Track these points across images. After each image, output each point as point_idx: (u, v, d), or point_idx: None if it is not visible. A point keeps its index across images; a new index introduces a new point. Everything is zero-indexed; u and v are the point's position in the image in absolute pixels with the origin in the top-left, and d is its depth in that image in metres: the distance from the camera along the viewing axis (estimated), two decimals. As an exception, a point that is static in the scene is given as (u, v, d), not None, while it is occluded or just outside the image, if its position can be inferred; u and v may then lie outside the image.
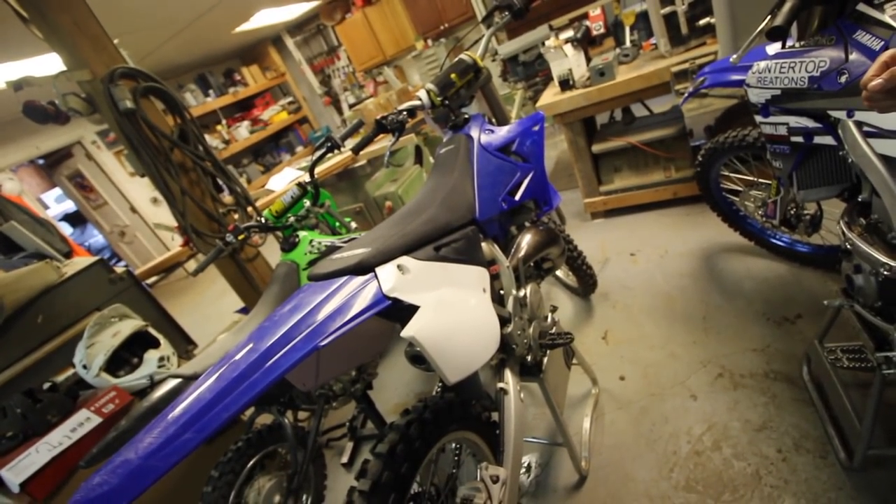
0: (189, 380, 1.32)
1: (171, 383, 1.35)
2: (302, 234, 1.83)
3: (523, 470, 1.61)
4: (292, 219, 1.88)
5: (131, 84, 1.99)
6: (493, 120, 1.72)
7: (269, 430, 1.63)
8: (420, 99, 1.46)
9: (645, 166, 2.75)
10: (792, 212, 1.67)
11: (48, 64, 3.63)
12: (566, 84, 2.58)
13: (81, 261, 2.38)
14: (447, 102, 1.48)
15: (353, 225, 2.18)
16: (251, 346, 0.77)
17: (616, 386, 1.78)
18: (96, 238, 7.84)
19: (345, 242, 1.74)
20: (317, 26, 7.14)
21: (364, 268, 0.91)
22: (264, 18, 5.77)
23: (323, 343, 0.76)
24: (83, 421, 1.66)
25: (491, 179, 1.33)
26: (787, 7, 0.97)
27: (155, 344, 2.00)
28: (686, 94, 1.77)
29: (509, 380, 1.21)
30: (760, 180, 1.82)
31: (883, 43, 0.92)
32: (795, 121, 1.23)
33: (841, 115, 1.03)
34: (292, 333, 0.77)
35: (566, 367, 1.54)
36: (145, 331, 2.00)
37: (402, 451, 0.88)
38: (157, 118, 2.09)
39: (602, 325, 2.10)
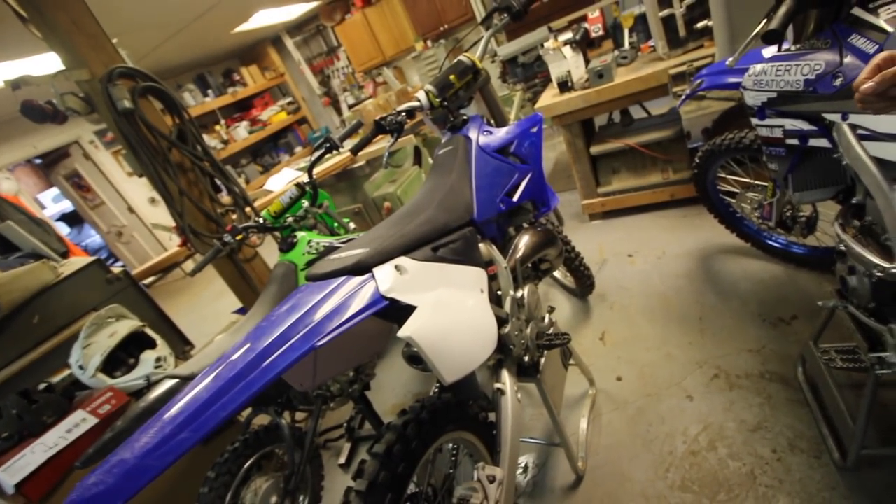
0: (186, 380, 1.32)
1: (168, 384, 1.35)
2: (300, 234, 1.83)
3: (520, 470, 1.62)
4: (290, 219, 1.88)
5: (130, 84, 1.98)
6: (492, 121, 1.73)
7: (265, 431, 1.63)
8: (419, 100, 1.46)
9: (643, 168, 2.76)
10: (788, 213, 1.68)
11: (46, 63, 3.63)
12: (565, 86, 2.59)
13: (78, 261, 2.38)
14: (446, 104, 1.48)
15: (352, 225, 2.18)
16: (248, 346, 0.77)
17: (613, 386, 1.79)
18: (93, 238, 7.81)
19: (343, 243, 1.74)
20: (316, 27, 7.14)
21: (362, 268, 0.92)
22: (264, 19, 5.77)
23: (320, 343, 0.76)
24: (79, 422, 1.66)
25: (489, 180, 1.34)
26: (782, 11, 0.97)
27: (152, 344, 2.00)
28: (683, 97, 1.78)
29: (506, 380, 1.21)
30: (757, 182, 1.83)
31: (877, 46, 0.93)
32: (791, 123, 1.24)
33: (835, 117, 1.04)
34: (289, 333, 0.77)
35: (563, 367, 1.55)
36: (142, 331, 2.00)
37: (398, 451, 0.88)
38: (156, 118, 2.09)
39: (599, 326, 2.11)
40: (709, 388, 1.61)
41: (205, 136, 6.24)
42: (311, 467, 1.73)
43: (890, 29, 0.91)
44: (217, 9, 4.55)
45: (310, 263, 1.71)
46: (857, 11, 0.99)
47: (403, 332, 0.86)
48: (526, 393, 1.86)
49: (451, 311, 0.97)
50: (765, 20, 1.03)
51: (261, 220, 1.81)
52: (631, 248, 2.54)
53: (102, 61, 1.94)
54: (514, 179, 1.40)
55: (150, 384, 1.83)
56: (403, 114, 1.46)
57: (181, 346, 2.55)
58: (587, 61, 2.67)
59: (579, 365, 1.74)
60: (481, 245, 1.24)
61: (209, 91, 6.74)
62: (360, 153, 2.81)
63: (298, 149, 7.67)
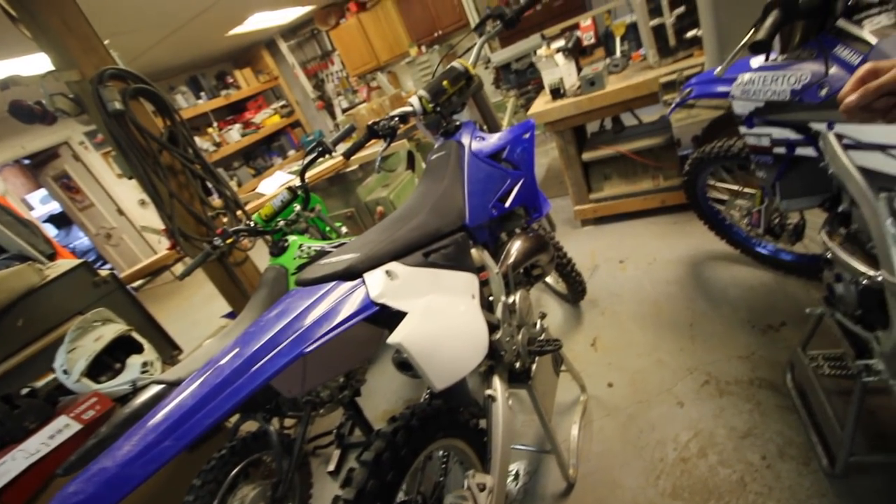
0: (172, 385, 1.30)
1: (154, 389, 1.33)
2: (292, 238, 1.82)
3: (511, 477, 1.61)
4: (282, 223, 1.87)
5: (121, 85, 1.97)
6: (485, 127, 1.73)
7: (253, 438, 1.61)
8: (412, 105, 1.46)
9: (634, 175, 2.78)
10: (776, 221, 1.69)
11: (36, 63, 3.59)
12: (557, 93, 2.61)
13: (65, 263, 2.34)
14: (439, 109, 1.49)
15: (344, 230, 2.18)
16: (235, 351, 0.76)
17: (604, 393, 1.79)
18: (81, 240, 7.71)
19: (335, 247, 1.73)
20: (311, 31, 7.15)
21: (352, 273, 0.91)
22: (258, 22, 5.77)
23: (309, 349, 0.75)
24: (62, 427, 1.62)
25: (481, 186, 1.34)
26: (769, 21, 0.99)
27: (139, 349, 1.97)
28: (673, 105, 1.79)
29: (497, 386, 1.21)
30: (745, 190, 1.85)
31: (861, 57, 0.94)
32: (778, 132, 1.25)
33: (821, 127, 1.05)
34: (278, 339, 0.76)
35: (555, 373, 1.54)
36: (129, 335, 1.97)
37: (388, 458, 0.87)
38: (147, 120, 2.08)
39: (591, 332, 2.11)
40: (699, 394, 1.61)
41: (197, 139, 6.20)
42: (299, 475, 1.71)
43: (873, 41, 0.92)
44: (211, 11, 4.54)
45: (301, 268, 1.70)
46: (841, 23, 1.01)
47: (393, 339, 0.86)
48: (517, 399, 1.86)
49: (441, 317, 0.97)
50: (752, 30, 1.04)
51: (252, 224, 1.80)
52: (622, 254, 2.56)
53: (93, 62, 1.92)
54: (507, 185, 1.40)
55: (136, 389, 1.80)
56: (396, 119, 1.46)
57: (169, 350, 2.51)
58: (579, 69, 2.70)
59: (571, 371, 1.73)
60: (473, 250, 1.24)
61: (202, 93, 6.70)
62: (353, 157, 2.81)
63: (291, 152, 7.64)
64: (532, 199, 1.51)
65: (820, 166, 1.16)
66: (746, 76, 1.27)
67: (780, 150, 1.28)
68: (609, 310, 2.20)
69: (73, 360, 1.78)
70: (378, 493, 0.83)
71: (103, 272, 2.44)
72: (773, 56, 1.22)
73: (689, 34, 2.23)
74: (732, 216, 1.91)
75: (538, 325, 1.43)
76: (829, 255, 1.11)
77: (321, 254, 1.72)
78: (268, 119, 7.36)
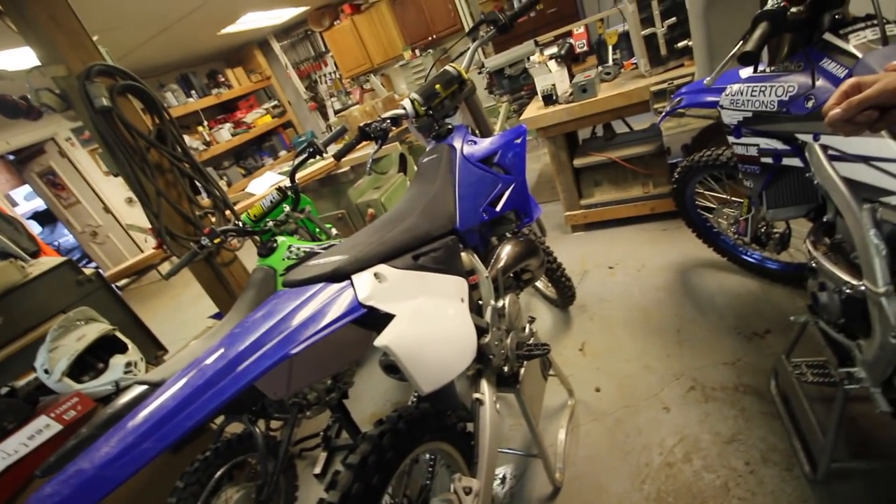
0: (156, 386, 1.28)
1: (137, 390, 1.31)
2: (281, 239, 1.81)
3: (498, 481, 1.60)
4: (271, 223, 1.85)
5: (109, 82, 1.94)
6: (477, 131, 1.74)
7: (238, 440, 1.59)
8: (404, 108, 1.46)
9: (624, 181, 2.80)
10: (762, 230, 1.72)
11: (22, 58, 3.53)
12: (549, 99, 2.63)
13: (48, 261, 2.30)
14: (431, 112, 1.49)
15: (334, 231, 2.17)
16: (220, 352, 0.75)
17: (592, 397, 1.79)
18: (67, 238, 7.59)
19: (324, 249, 1.72)
20: (304, 31, 7.12)
21: (340, 275, 0.90)
22: (251, 21, 5.74)
23: (294, 351, 0.74)
24: (42, 428, 1.59)
25: (472, 190, 1.34)
26: (757, 33, 1.00)
27: (122, 349, 1.94)
28: (664, 113, 1.81)
29: (485, 390, 1.21)
30: (733, 198, 1.87)
31: (847, 71, 0.96)
32: (765, 142, 1.27)
33: (807, 138, 1.07)
34: (263, 340, 0.75)
35: (543, 378, 1.55)
36: (113, 335, 1.93)
37: (373, 462, 0.87)
38: (135, 117, 2.05)
39: (579, 337, 2.12)
40: (685, 399, 1.62)
41: (187, 138, 6.14)
42: (284, 477, 1.69)
43: (859, 54, 0.94)
44: (204, 9, 4.50)
45: (289, 269, 1.68)
46: (828, 37, 1.03)
47: (380, 341, 0.85)
48: (505, 403, 1.86)
49: (430, 321, 0.97)
50: (741, 42, 1.06)
51: (240, 224, 1.78)
52: (612, 260, 2.58)
53: (81, 58, 1.89)
54: (498, 189, 1.41)
55: (120, 390, 1.77)
56: (388, 121, 1.46)
57: (154, 351, 2.48)
58: (571, 76, 2.72)
59: (559, 376, 1.74)
60: (463, 254, 1.24)
61: (193, 92, 6.64)
62: (345, 159, 2.80)
63: (283, 153, 7.59)
64: (523, 204, 1.51)
65: (806, 176, 1.18)
66: (735, 87, 1.29)
67: (768, 159, 1.30)
68: (598, 315, 2.21)
69: (55, 359, 1.75)
70: (363, 497, 0.83)
71: (88, 270, 2.40)
72: (761, 67, 1.24)
73: (680, 44, 2.26)
74: (720, 224, 1.94)
75: (527, 330, 1.43)
76: (813, 265, 1.12)
77: (310, 255, 1.71)
78: (259, 119, 7.31)
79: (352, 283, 0.89)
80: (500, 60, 3.45)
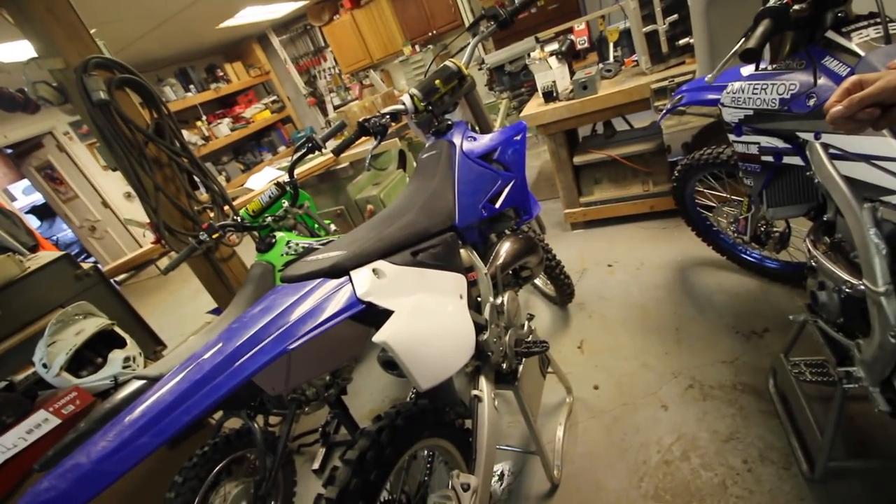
0: (154, 381, 1.28)
1: (136, 384, 1.31)
2: (279, 234, 1.80)
3: (496, 478, 1.61)
4: (269, 219, 1.84)
5: (106, 75, 1.93)
6: (477, 128, 1.73)
7: (237, 435, 1.59)
8: (404, 103, 1.46)
9: (624, 179, 2.80)
10: (762, 228, 1.72)
11: (19, 50, 3.51)
12: (550, 96, 2.62)
13: (46, 255, 2.30)
14: (431, 108, 1.48)
15: (333, 227, 2.16)
16: (217, 347, 0.74)
17: (590, 395, 1.79)
18: (65, 232, 7.57)
19: (323, 245, 1.71)
20: (304, 26, 7.09)
21: (338, 271, 0.90)
22: (250, 15, 5.71)
23: (292, 346, 0.74)
24: (41, 422, 1.59)
25: (472, 186, 1.34)
26: (759, 31, 1.00)
27: (121, 344, 1.94)
28: (664, 111, 1.81)
29: (484, 387, 1.21)
30: (733, 197, 1.87)
31: (849, 69, 0.96)
32: (766, 141, 1.27)
33: (809, 136, 1.07)
34: (261, 335, 0.75)
35: (541, 375, 1.55)
36: (111, 330, 1.93)
37: (371, 458, 0.87)
38: (133, 111, 2.04)
39: (578, 335, 2.12)
40: (683, 398, 1.63)
41: (185, 132, 6.12)
42: (283, 473, 1.69)
43: (861, 53, 0.94)
44: (202, 2, 4.47)
45: (288, 264, 1.68)
46: (830, 35, 1.02)
47: (378, 337, 0.85)
48: (503, 400, 1.86)
49: (428, 317, 0.96)
50: (743, 39, 1.05)
51: (238, 219, 1.78)
52: (611, 258, 2.57)
53: (78, 51, 1.88)
54: (497, 186, 1.40)
55: (118, 385, 1.77)
56: (387, 117, 1.45)
57: (152, 346, 2.48)
58: (572, 73, 2.71)
59: (557, 373, 1.74)
60: (462, 251, 1.24)
61: (191, 86, 6.61)
62: (344, 155, 2.79)
63: (282, 148, 7.57)
64: (522, 201, 1.51)
65: (806, 175, 1.18)
66: (736, 84, 1.28)
67: (768, 158, 1.29)
68: (596, 313, 2.21)
69: (53, 353, 1.75)
70: (361, 493, 0.83)
71: (86, 265, 2.39)
72: (762, 65, 1.24)
73: (682, 42, 2.25)
74: (719, 223, 1.94)
75: (526, 327, 1.43)
76: (813, 264, 1.12)
77: (309, 250, 1.70)
78: (258, 114, 7.28)
79: (350, 279, 0.89)
80: (500, 57, 3.44)
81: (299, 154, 1.70)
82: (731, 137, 1.40)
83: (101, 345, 1.89)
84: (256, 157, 7.40)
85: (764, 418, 1.45)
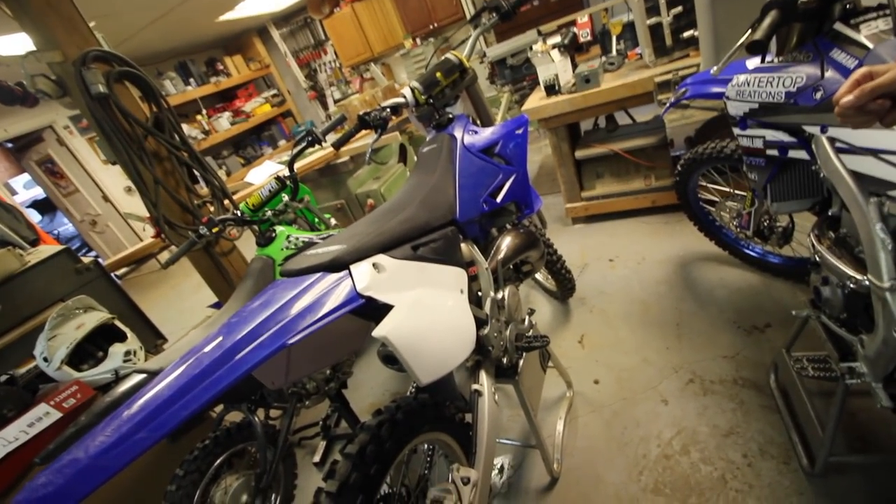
0: (155, 375, 1.28)
1: (136, 378, 1.31)
2: (279, 228, 1.80)
3: (496, 471, 1.61)
4: (269, 213, 1.84)
5: (105, 68, 1.91)
6: (478, 121, 1.72)
7: (238, 428, 1.59)
8: (404, 96, 1.44)
9: (626, 174, 2.78)
10: (765, 223, 1.71)
11: (17, 43, 3.49)
12: (552, 89, 2.60)
13: (46, 249, 2.30)
14: (431, 101, 1.47)
15: (333, 221, 2.15)
16: (216, 341, 0.74)
17: (590, 389, 1.79)
18: (66, 226, 7.57)
19: (323, 239, 1.71)
20: (304, 19, 7.04)
21: (338, 265, 0.89)
22: (250, 8, 5.67)
23: (292, 341, 0.74)
24: (42, 416, 1.59)
25: (473, 180, 1.33)
26: (767, 22, 0.98)
27: (122, 338, 1.93)
28: (668, 105, 1.79)
29: (484, 381, 1.20)
30: (736, 192, 1.86)
31: (857, 62, 0.94)
32: (772, 134, 1.26)
33: (815, 130, 1.06)
34: (260, 330, 0.74)
35: (542, 369, 1.54)
36: (112, 324, 1.93)
37: (372, 452, 0.87)
38: (132, 104, 2.02)
39: (579, 330, 2.12)
40: (683, 392, 1.62)
41: (186, 126, 6.09)
42: (284, 466, 1.70)
43: (870, 45, 0.92)
44: (202, -5, 4.45)
45: (288, 259, 1.67)
46: (838, 27, 1.00)
47: (378, 332, 0.84)
48: (504, 394, 1.86)
49: (428, 312, 0.96)
50: (750, 30, 1.04)
51: (238, 213, 1.77)
52: (612, 252, 2.57)
53: (76, 44, 1.87)
54: (498, 180, 1.39)
55: (119, 378, 1.77)
56: (388, 110, 1.44)
57: (153, 339, 2.48)
58: (575, 66, 2.68)
59: (557, 367, 1.74)
60: (463, 245, 1.23)
61: (191, 80, 6.58)
62: (344, 149, 2.77)
63: (282, 142, 7.55)
64: (524, 196, 1.50)
65: (812, 169, 1.16)
66: (742, 77, 1.26)
67: (773, 152, 1.28)
68: (597, 308, 2.20)
69: (54, 347, 1.74)
70: (361, 486, 0.82)
71: (86, 259, 2.39)
72: (769, 58, 1.22)
73: (686, 34, 2.22)
74: (722, 218, 1.92)
75: (526, 322, 1.42)
76: (816, 259, 1.11)
77: (309, 245, 1.70)
78: (258, 108, 7.25)
79: (350, 274, 0.89)
80: (502, 50, 3.41)
81: (299, 148, 1.69)
82: (736, 131, 1.39)
83: (101, 339, 1.88)
84: (257, 151, 7.38)
85: (764, 413, 1.45)
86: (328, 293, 0.83)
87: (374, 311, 0.88)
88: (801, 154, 1.19)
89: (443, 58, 1.52)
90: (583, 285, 2.38)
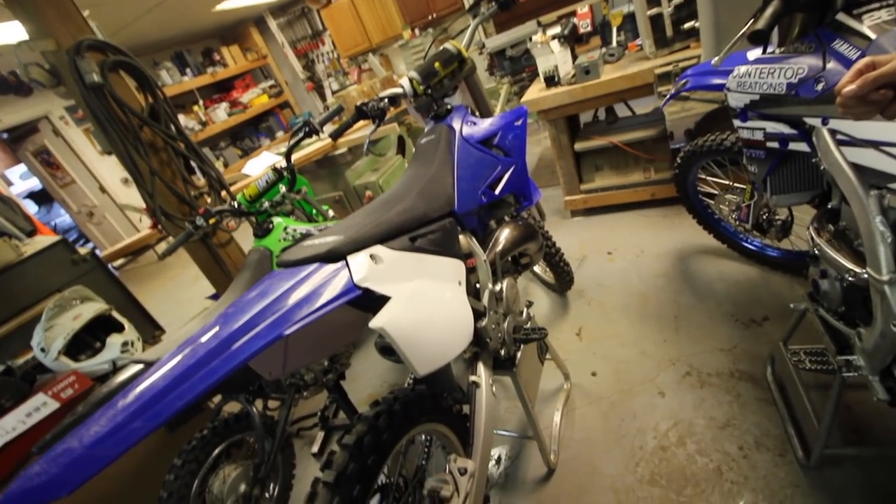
0: (151, 365, 1.28)
1: (133, 369, 1.30)
2: (277, 220, 1.79)
3: (493, 462, 1.62)
4: (267, 204, 1.83)
5: (99, 57, 1.89)
6: (477, 112, 1.70)
7: (236, 419, 1.60)
8: (402, 87, 1.43)
9: (625, 166, 2.77)
10: (764, 216, 1.70)
11: (10, 32, 3.44)
12: (551, 80, 2.58)
13: (43, 240, 2.29)
14: (430, 92, 1.45)
15: (331, 213, 2.14)
16: (213, 331, 0.74)
17: (588, 381, 1.80)
18: (63, 218, 7.54)
19: (320, 230, 1.70)
20: (301, 9, 6.97)
21: (335, 255, 0.89)
22: (247, -3, 5.60)
23: (288, 331, 0.73)
24: (39, 406, 1.59)
25: (471, 172, 1.32)
26: (769, 12, 0.97)
27: (119, 328, 1.94)
28: (668, 97, 1.78)
29: (482, 373, 1.21)
30: (735, 185, 1.85)
31: (860, 52, 0.94)
32: (772, 126, 1.25)
33: (816, 122, 1.05)
34: (257, 320, 0.74)
35: (539, 361, 1.55)
36: (109, 314, 1.93)
37: (369, 442, 0.87)
38: (128, 94, 2.00)
39: (576, 322, 2.12)
40: (681, 385, 1.63)
41: (182, 117, 6.06)
42: (282, 456, 1.71)
43: (873, 35, 0.91)
44: (198, -16, 4.39)
45: (286, 250, 1.67)
46: (841, 17, 0.99)
47: (375, 323, 0.84)
48: (501, 386, 1.87)
49: (426, 303, 0.96)
50: (751, 20, 1.03)
51: (236, 205, 1.76)
52: (611, 245, 2.56)
53: (70, 32, 1.84)
54: (497, 172, 1.38)
55: (116, 369, 1.77)
56: (386, 100, 1.43)
57: (151, 330, 2.48)
58: (574, 57, 2.66)
59: (555, 359, 1.74)
60: (461, 237, 1.22)
61: (187, 70, 6.51)
62: (342, 140, 2.76)
63: (280, 133, 7.50)
64: (522, 187, 1.49)
65: (812, 162, 1.16)
66: (743, 68, 1.25)
67: (774, 144, 1.27)
68: (595, 300, 2.21)
69: (51, 338, 1.74)
70: (358, 476, 0.83)
71: (83, 250, 2.38)
72: (770, 49, 1.21)
73: (687, 25, 2.21)
74: (721, 211, 1.92)
75: (524, 314, 1.42)
76: (815, 252, 1.11)
77: (306, 236, 1.69)
78: (256, 99, 7.19)
79: (347, 264, 0.88)
80: (501, 41, 3.38)
81: (296, 138, 1.68)
82: (736, 123, 1.38)
83: (99, 329, 1.89)
84: (254, 142, 7.33)
85: (761, 406, 1.46)
86: (325, 284, 0.82)
87: (371, 302, 0.88)
88: (802, 146, 1.19)
89: (441, 48, 1.50)
90: (581, 278, 2.37)
